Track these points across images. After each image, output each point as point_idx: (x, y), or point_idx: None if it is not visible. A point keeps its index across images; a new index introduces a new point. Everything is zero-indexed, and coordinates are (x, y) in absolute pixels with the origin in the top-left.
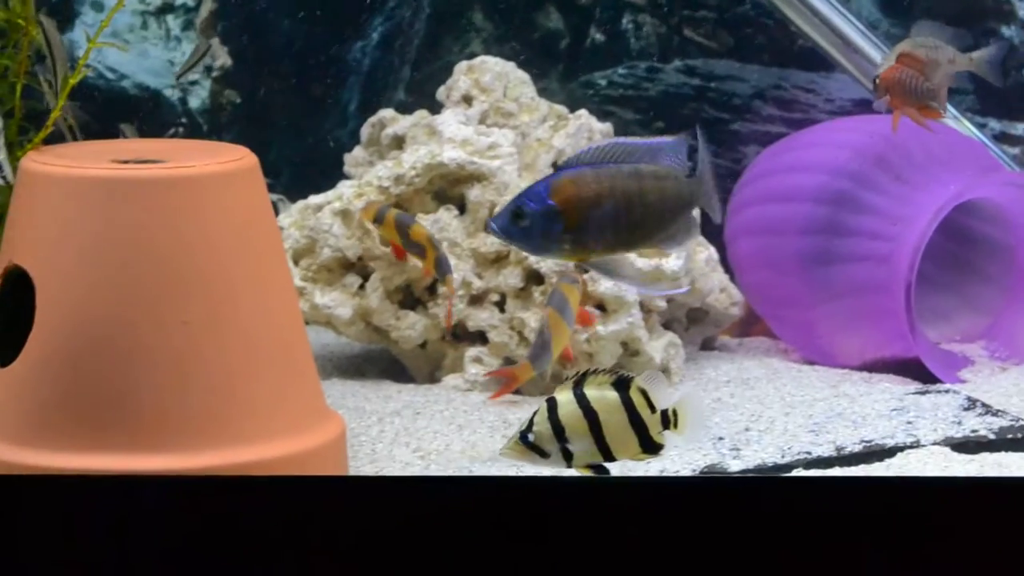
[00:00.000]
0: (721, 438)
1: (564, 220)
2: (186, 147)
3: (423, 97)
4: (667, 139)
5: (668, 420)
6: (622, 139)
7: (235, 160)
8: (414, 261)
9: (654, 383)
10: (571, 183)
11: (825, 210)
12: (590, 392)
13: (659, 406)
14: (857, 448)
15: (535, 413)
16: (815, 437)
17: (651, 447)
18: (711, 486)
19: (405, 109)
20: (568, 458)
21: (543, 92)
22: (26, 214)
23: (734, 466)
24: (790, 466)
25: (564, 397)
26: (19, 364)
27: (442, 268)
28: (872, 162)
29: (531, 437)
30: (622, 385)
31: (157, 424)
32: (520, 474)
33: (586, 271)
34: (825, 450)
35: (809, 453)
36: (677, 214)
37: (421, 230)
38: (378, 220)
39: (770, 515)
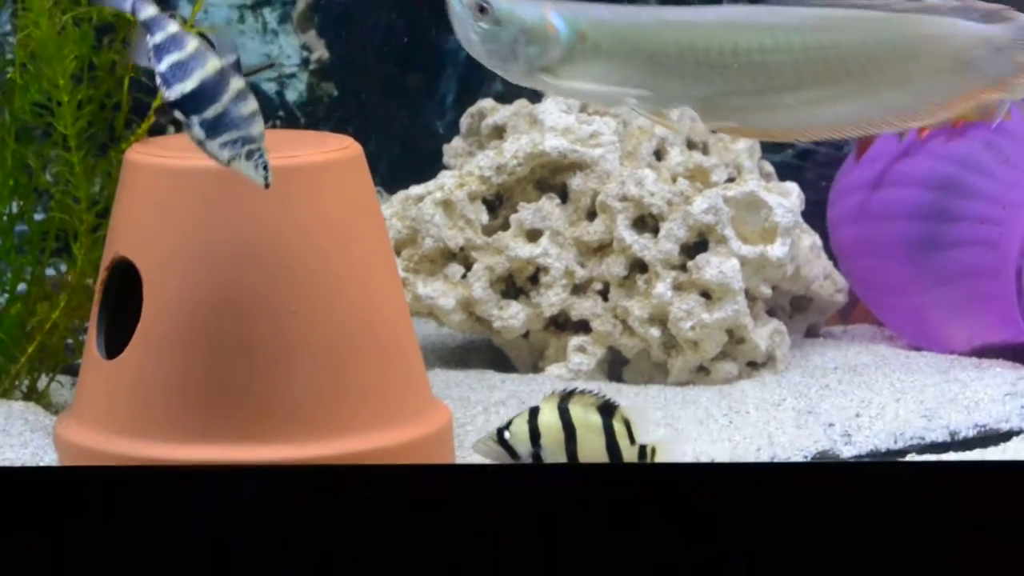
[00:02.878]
0: (832, 424)
1: None
2: (290, 137)
3: (521, 87)
4: None
5: (645, 455)
6: None
7: (340, 149)
8: None
9: (640, 415)
10: None
11: (932, 195)
12: (574, 409)
13: (639, 439)
14: (971, 433)
15: (517, 415)
16: (928, 423)
17: None
18: (824, 471)
19: (503, 99)
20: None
21: None
22: (131, 206)
23: (846, 452)
24: (903, 452)
25: (547, 407)
26: (126, 356)
27: None
28: (980, 146)
29: (507, 435)
30: (607, 410)
31: (264, 415)
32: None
33: None
34: (939, 435)
35: (922, 439)
36: None
37: None
38: None
39: (884, 500)
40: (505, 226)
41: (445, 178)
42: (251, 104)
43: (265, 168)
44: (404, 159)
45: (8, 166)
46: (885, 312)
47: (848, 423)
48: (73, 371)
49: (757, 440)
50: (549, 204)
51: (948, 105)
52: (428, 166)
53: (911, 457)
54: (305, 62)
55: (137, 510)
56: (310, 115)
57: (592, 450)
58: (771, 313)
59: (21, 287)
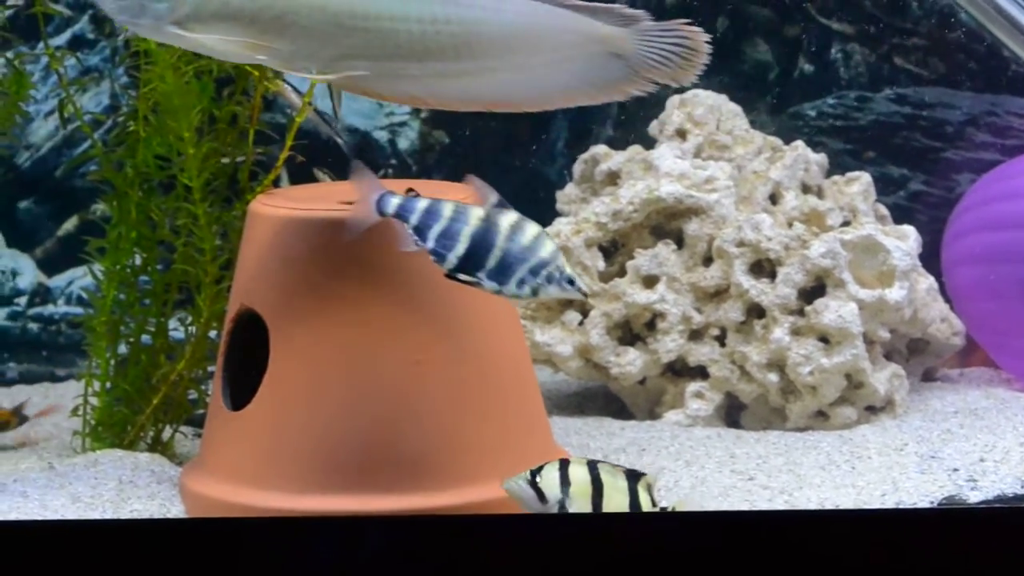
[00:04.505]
0: (956, 469)
1: None
2: (415, 187)
3: (632, 133)
4: None
5: None
6: None
7: (462, 199)
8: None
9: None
10: None
11: None
12: (603, 468)
13: (659, 503)
14: None
15: (548, 463)
16: None
17: None
18: (954, 517)
19: (614, 145)
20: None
21: (752, 124)
22: (256, 257)
23: (973, 497)
24: None
25: (578, 463)
26: (253, 408)
27: None
28: None
29: (538, 479)
30: (633, 476)
31: (389, 464)
32: (756, 508)
33: None
34: None
35: None
36: None
37: None
38: None
39: (1014, 545)
40: (621, 272)
41: (561, 225)
42: (529, 231)
43: (571, 283)
44: (516, 206)
45: (132, 219)
46: (1002, 354)
47: (973, 468)
48: (195, 422)
49: (881, 486)
50: (665, 250)
51: (568, 98)
52: (540, 213)
53: None
54: (416, 110)
55: (264, 560)
56: (422, 163)
57: (616, 508)
58: (888, 356)
59: (145, 339)
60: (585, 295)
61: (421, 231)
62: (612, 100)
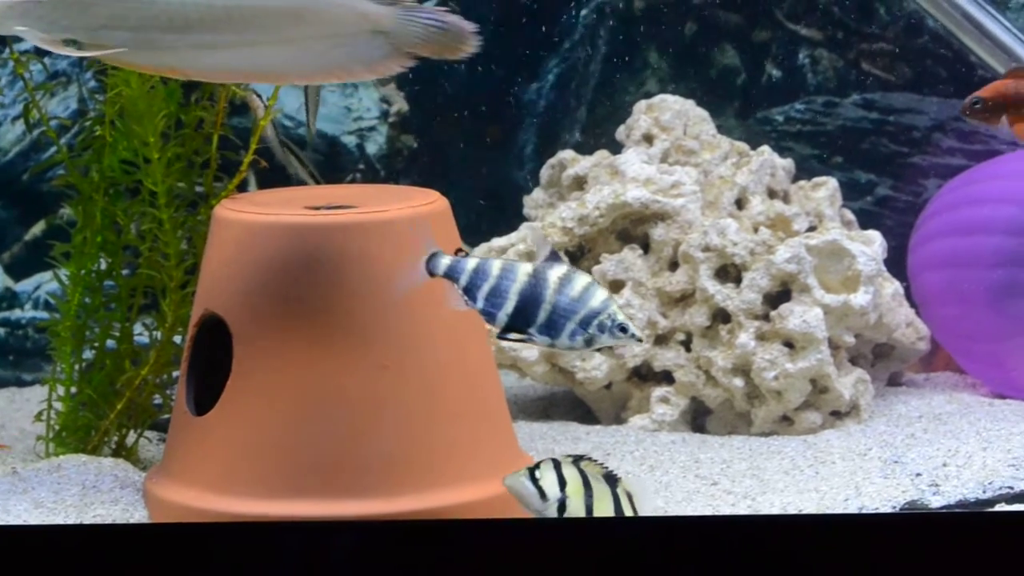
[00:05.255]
0: (919, 474)
1: None
2: (375, 192)
3: (600, 137)
4: None
5: None
6: None
7: (427, 204)
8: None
9: (640, 488)
10: None
11: (1015, 241)
12: (587, 469)
13: (639, 509)
14: None
15: (541, 462)
16: (1016, 472)
17: None
18: (914, 522)
19: (582, 150)
20: (560, 511)
21: (720, 129)
22: (221, 262)
23: (935, 502)
24: (992, 501)
25: (566, 462)
26: (216, 412)
27: None
28: None
29: (537, 474)
30: (611, 480)
31: (352, 469)
32: (719, 513)
33: None
34: None
35: (1011, 488)
36: None
37: None
38: None
39: (976, 551)
40: None
41: (528, 229)
42: (578, 283)
43: (623, 330)
44: (483, 211)
45: (97, 223)
46: (967, 359)
47: (935, 473)
48: (159, 427)
49: (844, 491)
50: (631, 255)
51: (332, 73)
52: (508, 217)
53: (1000, 507)
54: (384, 115)
55: (228, 566)
56: (390, 168)
57: (603, 510)
58: (853, 361)
59: (110, 344)
60: (640, 340)
61: (470, 291)
62: (377, 77)
